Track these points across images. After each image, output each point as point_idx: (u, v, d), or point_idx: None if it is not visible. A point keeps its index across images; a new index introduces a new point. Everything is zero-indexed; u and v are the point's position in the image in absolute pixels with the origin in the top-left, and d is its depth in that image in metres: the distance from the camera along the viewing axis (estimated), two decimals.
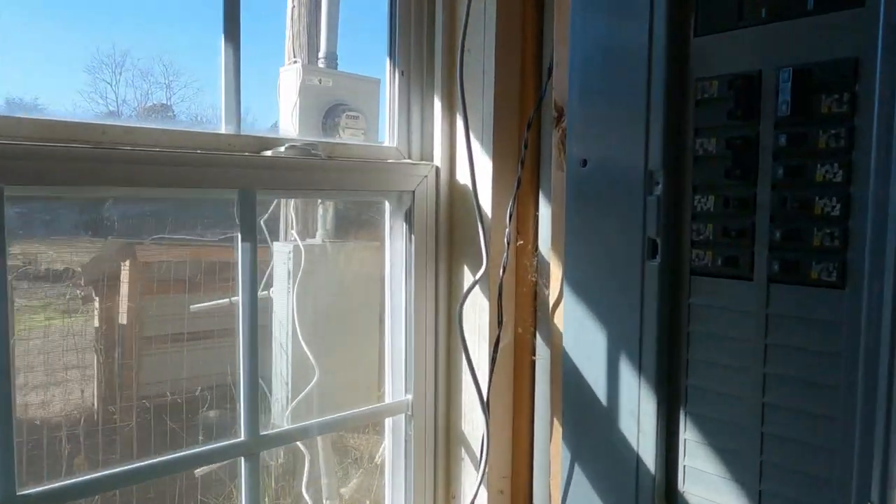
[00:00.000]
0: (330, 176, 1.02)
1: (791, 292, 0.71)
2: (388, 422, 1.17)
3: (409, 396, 1.14)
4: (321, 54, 2.02)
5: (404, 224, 1.13)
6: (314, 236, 1.91)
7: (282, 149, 0.96)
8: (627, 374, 0.85)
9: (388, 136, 1.16)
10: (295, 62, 2.10)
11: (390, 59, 1.14)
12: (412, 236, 1.11)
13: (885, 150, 0.63)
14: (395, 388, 1.16)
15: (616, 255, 0.85)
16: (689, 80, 0.79)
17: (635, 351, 0.84)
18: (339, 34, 2.08)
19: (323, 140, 1.04)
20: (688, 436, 0.80)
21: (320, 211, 1.94)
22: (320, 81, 1.98)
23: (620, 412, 0.86)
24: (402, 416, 1.15)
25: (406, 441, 1.15)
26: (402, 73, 1.13)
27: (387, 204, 1.15)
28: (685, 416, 0.81)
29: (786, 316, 0.72)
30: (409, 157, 1.14)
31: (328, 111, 1.94)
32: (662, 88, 0.79)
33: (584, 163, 0.88)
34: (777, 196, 0.72)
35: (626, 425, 0.85)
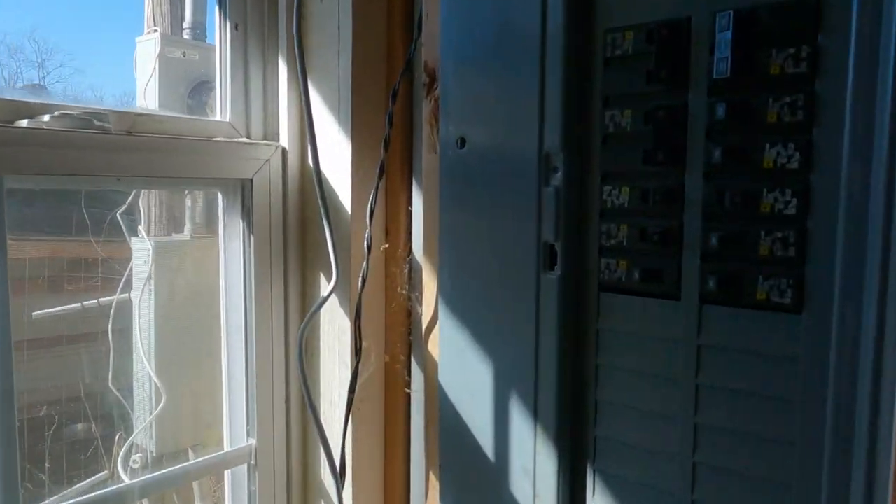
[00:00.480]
0: (128, 158, 0.75)
1: (730, 317, 0.53)
2: (227, 475, 0.92)
3: (252, 441, 0.89)
4: (186, 24, 1.74)
5: (241, 222, 0.87)
6: (182, 230, 1.65)
7: (46, 118, 0.68)
8: (520, 419, 0.64)
9: (219, 108, 0.90)
10: (154, 31, 1.80)
11: (220, 7, 0.88)
12: (251, 237, 0.86)
13: (864, 124, 0.45)
14: (235, 431, 0.91)
15: (503, 265, 0.64)
16: (597, 30, 0.59)
17: (529, 389, 0.64)
18: (209, 2, 1.80)
19: (119, 109, 0.77)
20: (597, 501, 0.61)
21: (188, 201, 1.67)
22: (184, 55, 1.69)
23: (511, 469, 0.65)
24: (244, 466, 0.90)
25: (250, 499, 0.90)
26: (235, 28, 0.87)
27: (220, 196, 0.90)
28: (594, 475, 0.61)
29: (723, 348, 0.54)
30: (248, 136, 0.88)
31: (195, 89, 1.67)
32: (561, 42, 0.59)
33: (462, 142, 0.66)
34: (713, 188, 0.53)
35: (519, 487, 0.65)
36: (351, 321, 0.79)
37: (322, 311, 0.85)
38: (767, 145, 0.50)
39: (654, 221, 0.56)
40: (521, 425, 0.64)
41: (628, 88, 0.57)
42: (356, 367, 0.78)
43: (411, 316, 0.82)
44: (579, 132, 0.60)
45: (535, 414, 0.63)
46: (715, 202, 0.53)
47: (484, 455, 0.67)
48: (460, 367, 0.69)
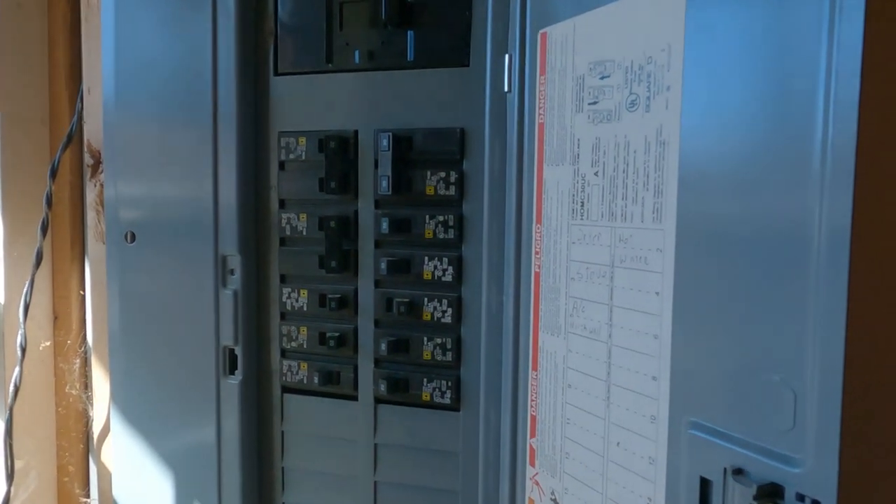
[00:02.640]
0: None
1: (402, 416, 0.56)
2: None
3: None
4: None
5: None
6: None
7: None
8: None
9: None
10: None
11: None
12: None
13: (497, 246, 0.51)
14: None
15: (181, 370, 0.60)
16: (272, 132, 0.58)
17: (212, 499, 0.60)
18: None
19: None
20: None
21: None
22: None
23: None
24: None
25: None
26: None
27: None
28: None
29: (397, 446, 0.56)
30: None
31: None
32: (234, 143, 0.57)
33: (132, 237, 0.60)
34: (381, 296, 0.56)
35: None
36: (3, 438, 0.67)
37: None
38: (426, 259, 0.54)
39: (332, 325, 0.57)
40: None
41: (303, 193, 0.57)
42: (7, 493, 0.66)
43: (85, 417, 0.73)
44: (258, 233, 0.58)
45: None
46: (384, 309, 0.55)
47: None
48: (136, 479, 0.62)
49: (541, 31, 0.46)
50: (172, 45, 0.58)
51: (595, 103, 0.41)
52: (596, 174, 0.41)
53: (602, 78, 0.40)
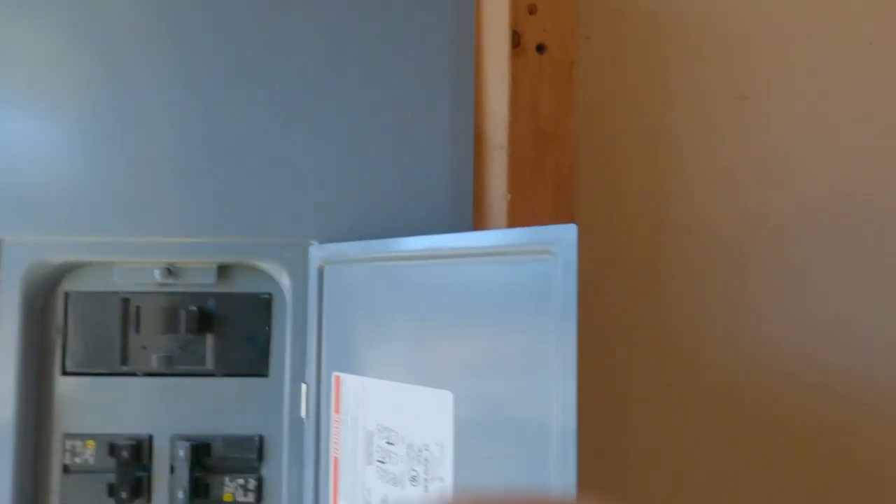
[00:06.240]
0: None
1: None
2: None
3: None
4: None
5: None
6: None
7: None
8: None
9: None
10: None
11: None
12: None
13: None
14: None
15: None
16: (55, 433, 0.56)
17: None
18: None
19: None
20: None
21: None
22: None
23: None
24: None
25: None
26: None
27: None
28: None
29: None
30: None
31: None
32: (11, 447, 0.54)
33: None
34: None
35: None
36: None
37: None
38: None
39: None
40: None
41: (90, 500, 0.55)
42: None
43: None
44: None
45: None
46: None
47: None
48: None
49: (335, 374, 0.52)
50: None
51: (383, 463, 0.47)
52: None
53: (388, 443, 0.47)
